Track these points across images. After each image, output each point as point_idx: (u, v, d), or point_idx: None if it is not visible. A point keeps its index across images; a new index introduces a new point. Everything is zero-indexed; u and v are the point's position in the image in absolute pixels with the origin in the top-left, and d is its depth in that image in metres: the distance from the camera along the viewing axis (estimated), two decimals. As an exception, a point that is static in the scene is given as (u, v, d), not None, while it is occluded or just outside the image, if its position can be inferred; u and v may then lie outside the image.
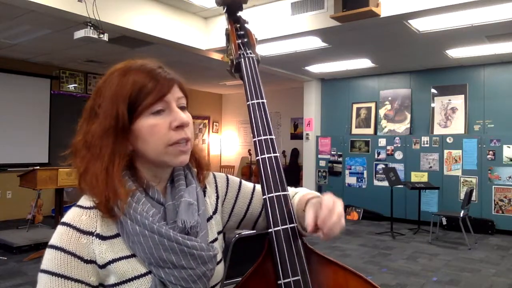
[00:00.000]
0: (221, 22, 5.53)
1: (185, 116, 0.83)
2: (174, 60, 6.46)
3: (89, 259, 0.77)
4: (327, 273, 0.84)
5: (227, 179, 1.01)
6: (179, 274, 0.78)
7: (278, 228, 0.83)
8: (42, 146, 7.55)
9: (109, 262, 0.77)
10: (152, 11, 4.95)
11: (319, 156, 8.39)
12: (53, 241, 0.77)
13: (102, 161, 0.78)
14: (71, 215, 0.80)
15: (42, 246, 5.16)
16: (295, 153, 9.80)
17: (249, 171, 10.22)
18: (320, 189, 8.22)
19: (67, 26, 5.04)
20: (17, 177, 5.09)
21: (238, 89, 10.35)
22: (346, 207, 7.80)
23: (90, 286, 0.77)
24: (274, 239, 0.82)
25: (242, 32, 1.03)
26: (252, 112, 0.92)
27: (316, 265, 0.83)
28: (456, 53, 6.18)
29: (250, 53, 0.99)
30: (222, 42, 5.51)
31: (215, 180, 0.99)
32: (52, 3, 4.00)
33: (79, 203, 0.82)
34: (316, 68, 7.44)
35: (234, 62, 0.99)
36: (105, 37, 4.24)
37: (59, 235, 0.77)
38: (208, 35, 5.67)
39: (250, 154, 10.14)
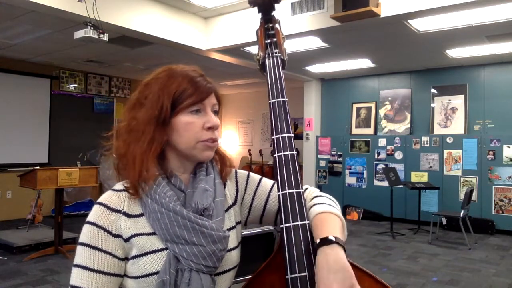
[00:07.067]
0: (221, 22, 5.52)
1: (217, 120, 0.95)
2: (174, 60, 6.44)
3: (116, 233, 0.88)
4: None
5: (248, 176, 1.09)
6: (191, 250, 0.85)
7: (289, 224, 0.84)
8: (42, 146, 7.54)
9: (132, 236, 0.88)
10: (152, 11, 4.95)
11: (319, 156, 8.40)
12: (89, 218, 0.90)
13: (142, 145, 0.90)
14: (104, 196, 0.92)
15: (42, 246, 5.16)
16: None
17: (249, 171, 10.20)
18: (320, 189, 8.20)
19: (67, 26, 5.04)
20: (17, 177, 5.08)
21: (238, 89, 10.33)
22: (346, 207, 7.81)
23: (117, 258, 0.88)
24: (285, 235, 0.84)
25: (272, 32, 1.05)
26: (273, 110, 0.95)
27: None
28: (456, 53, 6.18)
29: (276, 53, 1.02)
30: (222, 42, 5.54)
31: (236, 176, 1.08)
32: (52, 3, 4.00)
33: (114, 187, 0.94)
34: (316, 68, 7.44)
35: (260, 62, 1.03)
36: (105, 37, 4.24)
37: (93, 213, 0.90)
38: (208, 35, 5.67)
39: (250, 154, 10.13)
